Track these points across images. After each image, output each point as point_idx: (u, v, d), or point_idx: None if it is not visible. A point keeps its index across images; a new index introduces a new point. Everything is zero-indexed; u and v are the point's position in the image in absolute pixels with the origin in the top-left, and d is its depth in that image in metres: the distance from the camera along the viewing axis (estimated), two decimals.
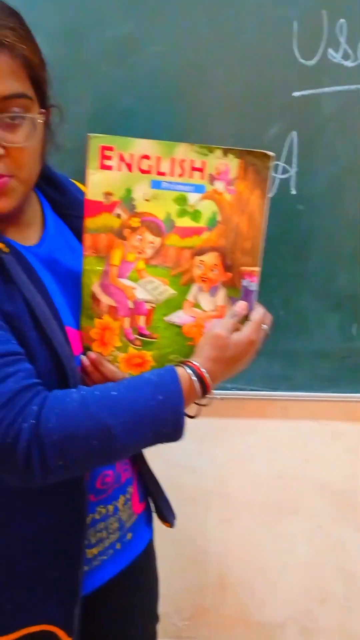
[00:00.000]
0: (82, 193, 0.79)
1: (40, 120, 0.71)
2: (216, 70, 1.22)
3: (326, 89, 1.22)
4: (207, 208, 0.73)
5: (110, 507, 0.82)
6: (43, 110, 0.72)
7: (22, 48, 0.67)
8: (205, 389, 0.71)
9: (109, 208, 0.73)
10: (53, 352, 0.69)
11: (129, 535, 0.87)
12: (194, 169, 0.74)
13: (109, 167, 0.72)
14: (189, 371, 0.71)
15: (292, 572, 1.48)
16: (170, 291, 0.75)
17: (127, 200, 0.73)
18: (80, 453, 0.64)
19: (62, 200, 0.84)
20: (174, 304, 0.76)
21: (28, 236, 0.78)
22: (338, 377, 1.32)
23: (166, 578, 1.49)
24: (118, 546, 0.85)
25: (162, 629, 1.51)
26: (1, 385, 0.63)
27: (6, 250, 0.70)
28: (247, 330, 0.73)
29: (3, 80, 0.66)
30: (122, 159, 0.72)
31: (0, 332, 0.66)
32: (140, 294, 0.75)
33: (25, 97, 0.68)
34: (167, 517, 0.94)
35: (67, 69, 1.21)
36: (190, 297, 0.76)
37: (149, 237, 0.74)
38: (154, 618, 0.99)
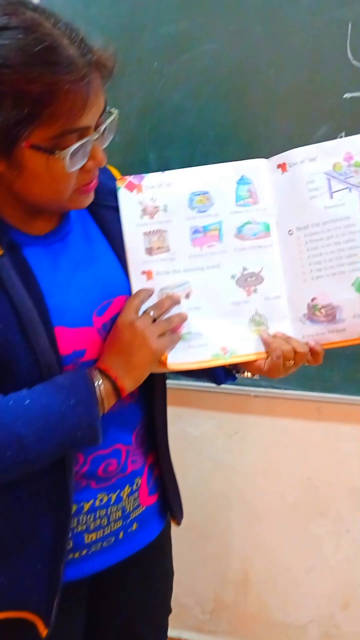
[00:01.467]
0: (113, 180, 0.80)
1: (115, 119, 0.74)
2: (268, 69, 1.22)
3: None
4: None
5: (113, 496, 0.83)
6: (111, 110, 0.75)
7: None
8: (117, 389, 0.73)
9: None
10: (36, 358, 0.71)
11: (135, 526, 0.87)
12: None
13: None
14: (97, 372, 0.73)
15: (316, 575, 1.47)
16: None
17: None
18: None
19: None
20: None
21: (40, 224, 0.77)
22: None
23: (189, 570, 1.51)
24: (121, 535, 0.85)
25: (182, 620, 1.53)
26: None
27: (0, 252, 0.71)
28: (123, 314, 0.75)
29: (101, 97, 0.69)
30: None
31: None
32: None
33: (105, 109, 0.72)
34: (175, 514, 0.93)
35: (121, 64, 1.23)
36: None
37: None
38: (164, 611, 0.98)
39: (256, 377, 0.85)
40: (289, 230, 0.82)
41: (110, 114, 0.72)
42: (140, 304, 0.77)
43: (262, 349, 0.81)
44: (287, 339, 0.80)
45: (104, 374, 0.74)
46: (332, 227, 0.80)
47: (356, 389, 1.31)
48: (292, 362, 0.80)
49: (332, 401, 1.34)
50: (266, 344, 0.80)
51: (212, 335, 0.80)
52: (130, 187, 0.80)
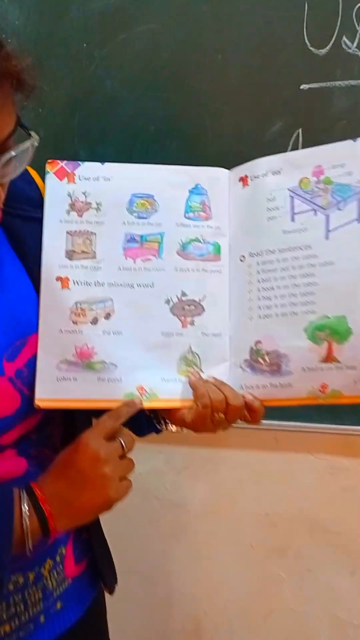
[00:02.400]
0: (35, 188, 0.67)
1: (31, 146, 0.58)
2: (214, 54, 1.07)
3: (338, 83, 1.07)
4: None
5: (31, 575, 0.67)
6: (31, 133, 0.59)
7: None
8: (47, 530, 0.57)
9: None
10: None
11: (59, 605, 0.72)
12: None
13: None
14: (26, 496, 0.57)
15: (277, 619, 1.35)
16: None
17: None
18: None
19: None
20: None
21: None
22: (337, 407, 1.17)
23: (133, 620, 1.37)
24: (42, 619, 0.69)
25: None
26: None
27: None
28: (90, 435, 0.61)
29: (7, 115, 0.54)
30: None
31: None
32: None
33: (15, 130, 0.56)
34: (107, 580, 0.78)
35: (44, 45, 1.07)
36: None
37: None
38: None
39: (180, 430, 0.70)
40: (241, 256, 0.69)
41: (26, 138, 0.56)
42: (117, 427, 0.62)
43: (189, 395, 0.66)
44: (221, 386, 0.66)
45: (36, 503, 0.57)
46: (288, 256, 0.66)
47: (316, 416, 1.18)
48: (223, 415, 0.65)
49: (290, 429, 1.20)
50: (194, 388, 0.65)
51: (130, 369, 0.66)
52: (61, 174, 0.67)
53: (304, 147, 1.09)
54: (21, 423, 0.64)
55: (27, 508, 0.57)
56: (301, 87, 1.07)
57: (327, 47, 1.06)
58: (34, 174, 0.71)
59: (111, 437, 0.63)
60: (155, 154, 1.09)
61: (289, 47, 1.05)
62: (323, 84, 1.07)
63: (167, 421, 0.71)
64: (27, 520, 0.56)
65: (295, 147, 1.09)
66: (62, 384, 0.64)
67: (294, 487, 1.29)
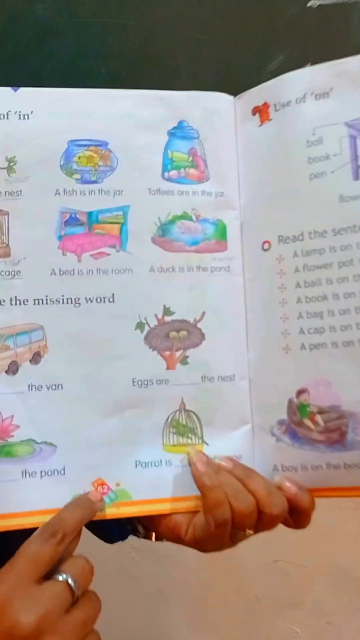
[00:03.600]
0: None
1: None
2: None
3: None
4: None
5: None
6: None
7: None
8: None
9: None
10: None
11: None
12: None
13: None
14: None
15: None
16: None
17: None
18: None
19: None
20: None
21: None
22: None
23: None
24: None
25: None
26: None
27: None
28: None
29: None
30: None
31: None
32: None
33: None
34: None
35: None
36: None
37: None
38: None
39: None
40: (264, 242, 0.42)
41: None
42: (56, 552, 0.37)
43: (188, 490, 0.39)
44: (247, 479, 0.39)
45: None
46: (352, 241, 0.39)
47: None
48: (252, 532, 0.40)
49: None
50: (200, 485, 0.39)
51: (80, 451, 0.40)
52: None
53: None
54: None
55: None
56: (309, 4, 0.81)
57: None
58: None
59: (48, 573, 0.35)
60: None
61: None
62: None
63: (146, 528, 0.44)
64: None
65: None
66: None
67: (309, 527, 1.05)
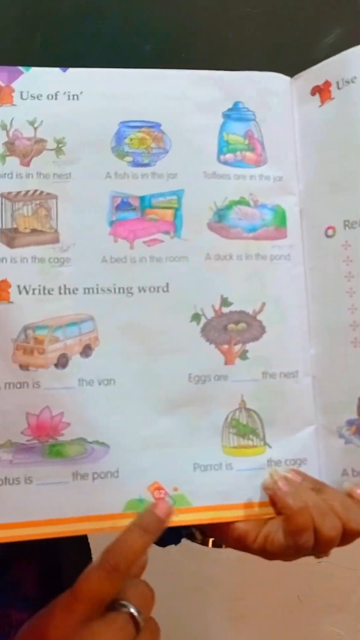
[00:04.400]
0: None
1: None
2: None
3: None
4: None
5: None
6: None
7: None
8: None
9: None
10: None
11: None
12: None
13: None
14: None
15: None
16: None
17: None
18: None
19: None
20: None
21: None
22: None
23: None
24: None
25: None
26: None
27: None
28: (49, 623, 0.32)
29: None
30: None
31: None
32: None
33: None
34: None
35: None
36: None
37: None
38: None
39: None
40: (328, 228, 0.40)
41: None
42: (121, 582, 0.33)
43: (252, 497, 0.37)
44: (319, 489, 0.37)
45: None
46: None
47: None
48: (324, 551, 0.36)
49: None
50: (281, 501, 0.36)
51: (135, 452, 0.37)
52: None
53: None
54: None
55: None
56: None
57: None
58: None
59: (111, 602, 0.32)
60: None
61: None
62: None
63: (206, 534, 0.41)
64: None
65: None
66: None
67: None
